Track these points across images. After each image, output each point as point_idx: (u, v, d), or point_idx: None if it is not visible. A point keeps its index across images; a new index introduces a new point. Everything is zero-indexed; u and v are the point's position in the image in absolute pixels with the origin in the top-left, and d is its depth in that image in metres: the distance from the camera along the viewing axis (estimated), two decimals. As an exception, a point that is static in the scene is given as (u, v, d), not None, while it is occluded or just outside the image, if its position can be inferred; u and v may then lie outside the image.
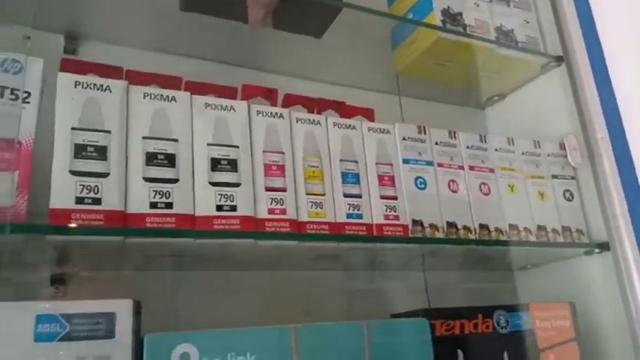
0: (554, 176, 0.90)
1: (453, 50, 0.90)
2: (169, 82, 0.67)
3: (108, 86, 0.58)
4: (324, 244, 0.69)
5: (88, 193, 0.53)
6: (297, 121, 0.71)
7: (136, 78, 0.64)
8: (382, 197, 0.73)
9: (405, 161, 0.76)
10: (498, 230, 0.79)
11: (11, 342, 0.45)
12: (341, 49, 0.89)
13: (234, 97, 0.70)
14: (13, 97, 0.53)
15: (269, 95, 0.74)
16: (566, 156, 0.92)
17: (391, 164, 0.75)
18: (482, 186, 0.81)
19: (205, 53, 0.84)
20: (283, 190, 0.66)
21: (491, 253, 0.85)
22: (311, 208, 0.67)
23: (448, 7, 0.89)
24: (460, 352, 0.67)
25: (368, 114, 0.81)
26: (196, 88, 0.67)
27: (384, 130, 0.77)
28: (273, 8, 0.77)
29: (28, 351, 0.45)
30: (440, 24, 0.87)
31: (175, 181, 0.59)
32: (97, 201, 0.54)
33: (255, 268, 0.78)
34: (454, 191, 0.78)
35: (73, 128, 0.55)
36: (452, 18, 0.88)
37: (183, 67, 0.80)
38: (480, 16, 0.92)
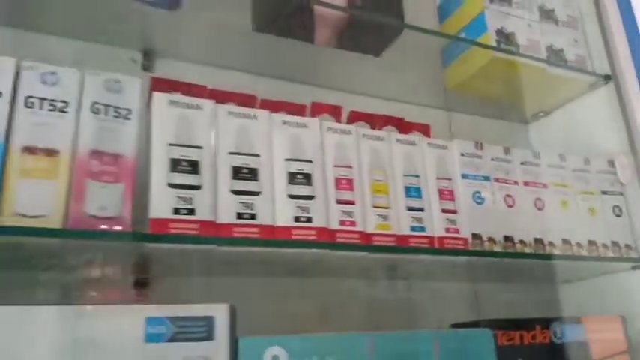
0: (604, 192, 0.92)
1: (504, 69, 0.93)
2: (245, 99, 0.71)
3: (198, 105, 0.63)
4: (389, 256, 0.72)
5: (183, 205, 0.58)
6: (363, 137, 0.74)
7: (217, 96, 0.68)
8: (443, 211, 0.76)
9: (464, 176, 0.79)
10: (552, 244, 0.82)
11: (124, 342, 0.49)
12: (394, 66, 0.93)
13: (303, 114, 0.74)
14: (116, 114, 0.58)
15: (334, 112, 0.78)
16: (614, 173, 0.94)
17: (450, 179, 0.79)
18: (537, 201, 0.84)
19: (272, 70, 0.88)
20: (352, 203, 0.70)
21: (539, 265, 0.88)
22: (378, 220, 0.71)
23: (502, 27, 0.92)
24: (520, 362, 0.70)
25: (424, 129, 0.84)
26: (271, 105, 0.71)
27: (442, 145, 0.81)
28: (340, 30, 0.81)
29: (140, 351, 0.49)
30: (494, 44, 0.90)
31: (258, 193, 0.63)
32: (192, 212, 0.58)
33: (314, 276, 0.82)
34: (510, 206, 0.81)
35: (170, 144, 0.59)
36: (505, 38, 0.91)
37: (248, 83, 0.84)
38: (532, 36, 0.95)
